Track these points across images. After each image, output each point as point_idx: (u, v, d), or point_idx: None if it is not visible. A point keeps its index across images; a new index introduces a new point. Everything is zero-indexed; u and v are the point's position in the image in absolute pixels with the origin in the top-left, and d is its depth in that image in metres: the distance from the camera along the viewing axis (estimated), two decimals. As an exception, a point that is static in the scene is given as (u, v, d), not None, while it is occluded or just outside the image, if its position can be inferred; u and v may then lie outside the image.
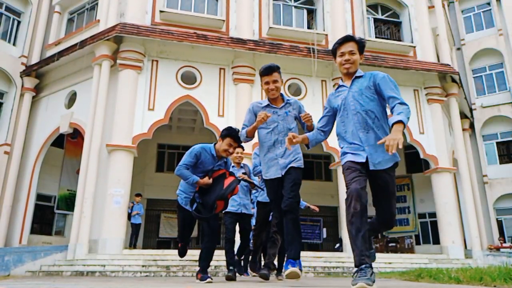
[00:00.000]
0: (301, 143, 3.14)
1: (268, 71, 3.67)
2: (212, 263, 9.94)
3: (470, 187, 15.81)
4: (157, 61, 13.04)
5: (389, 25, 16.41)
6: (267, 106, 3.75)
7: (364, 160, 2.78)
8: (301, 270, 3.40)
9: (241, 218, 5.45)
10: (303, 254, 12.41)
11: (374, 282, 2.46)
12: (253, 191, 5.65)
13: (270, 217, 5.08)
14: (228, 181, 4.10)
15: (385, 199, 2.90)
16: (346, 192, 2.73)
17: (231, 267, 5.21)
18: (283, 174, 3.61)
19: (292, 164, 3.63)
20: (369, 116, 2.84)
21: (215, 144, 4.31)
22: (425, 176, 15.77)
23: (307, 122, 3.58)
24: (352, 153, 2.84)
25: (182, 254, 4.77)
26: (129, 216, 12.83)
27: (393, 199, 2.89)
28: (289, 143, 3.02)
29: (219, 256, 10.06)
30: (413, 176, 19.15)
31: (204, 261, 4.25)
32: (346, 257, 12.39)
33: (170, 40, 12.68)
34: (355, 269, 2.54)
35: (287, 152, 3.62)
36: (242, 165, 5.49)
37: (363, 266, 2.50)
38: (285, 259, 3.56)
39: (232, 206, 5.30)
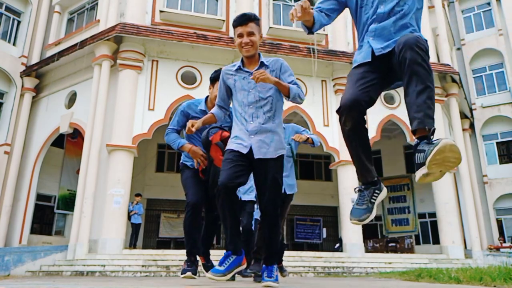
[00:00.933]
0: (304, 18, 2.18)
1: (242, 20, 2.80)
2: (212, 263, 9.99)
3: (470, 187, 15.82)
4: (157, 61, 13.04)
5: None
6: (239, 69, 2.88)
7: (370, 57, 2.15)
8: (277, 281, 2.83)
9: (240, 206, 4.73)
10: (303, 254, 12.44)
11: (371, 206, 2.12)
12: None
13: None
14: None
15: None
16: None
17: None
18: (255, 157, 2.72)
19: (271, 155, 2.75)
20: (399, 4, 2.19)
21: (207, 97, 3.64)
22: (425, 176, 15.77)
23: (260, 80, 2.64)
24: (359, 54, 2.24)
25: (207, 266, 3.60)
26: (129, 216, 12.86)
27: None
28: (299, 10, 2.08)
29: (219, 256, 10.04)
30: (413, 176, 18.99)
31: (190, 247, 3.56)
32: (346, 257, 12.40)
33: (170, 40, 12.69)
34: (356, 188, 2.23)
35: (262, 130, 2.75)
36: None
37: (363, 186, 2.17)
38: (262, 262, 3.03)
39: None
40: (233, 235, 2.72)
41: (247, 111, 2.80)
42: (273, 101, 2.82)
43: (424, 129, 1.87)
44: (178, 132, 3.60)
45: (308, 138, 4.11)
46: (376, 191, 2.15)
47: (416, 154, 1.87)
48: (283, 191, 3.93)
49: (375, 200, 2.13)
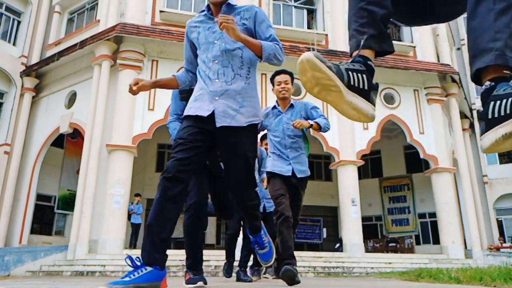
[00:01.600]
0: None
1: None
2: (212, 263, 9.99)
3: (470, 187, 15.82)
4: (157, 61, 13.04)
5: (389, 25, 16.41)
6: (203, 19, 2.31)
7: None
8: (272, 249, 2.61)
9: None
10: (303, 254, 12.42)
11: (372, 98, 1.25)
12: (262, 167, 4.71)
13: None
14: None
15: None
16: None
17: (229, 261, 4.66)
18: (217, 124, 2.12)
19: (238, 122, 2.14)
20: None
21: None
22: (425, 176, 15.77)
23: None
24: None
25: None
26: (129, 216, 12.87)
27: None
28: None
29: (219, 256, 10.06)
30: (413, 176, 19.14)
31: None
32: (346, 257, 12.40)
33: (170, 40, 12.68)
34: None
35: (230, 91, 2.16)
36: None
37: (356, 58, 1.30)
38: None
39: None
40: (155, 242, 2.07)
41: (211, 67, 2.20)
42: (243, 54, 2.21)
43: (500, 66, 1.09)
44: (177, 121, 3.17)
45: (311, 124, 3.48)
46: (366, 74, 1.26)
47: (493, 104, 1.07)
48: (290, 173, 3.51)
49: (361, 82, 1.24)
